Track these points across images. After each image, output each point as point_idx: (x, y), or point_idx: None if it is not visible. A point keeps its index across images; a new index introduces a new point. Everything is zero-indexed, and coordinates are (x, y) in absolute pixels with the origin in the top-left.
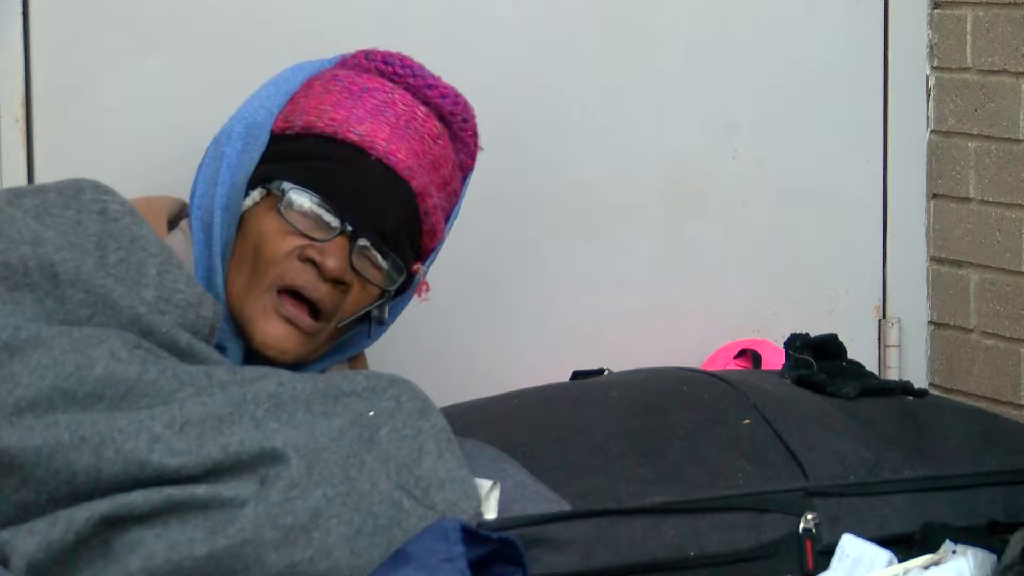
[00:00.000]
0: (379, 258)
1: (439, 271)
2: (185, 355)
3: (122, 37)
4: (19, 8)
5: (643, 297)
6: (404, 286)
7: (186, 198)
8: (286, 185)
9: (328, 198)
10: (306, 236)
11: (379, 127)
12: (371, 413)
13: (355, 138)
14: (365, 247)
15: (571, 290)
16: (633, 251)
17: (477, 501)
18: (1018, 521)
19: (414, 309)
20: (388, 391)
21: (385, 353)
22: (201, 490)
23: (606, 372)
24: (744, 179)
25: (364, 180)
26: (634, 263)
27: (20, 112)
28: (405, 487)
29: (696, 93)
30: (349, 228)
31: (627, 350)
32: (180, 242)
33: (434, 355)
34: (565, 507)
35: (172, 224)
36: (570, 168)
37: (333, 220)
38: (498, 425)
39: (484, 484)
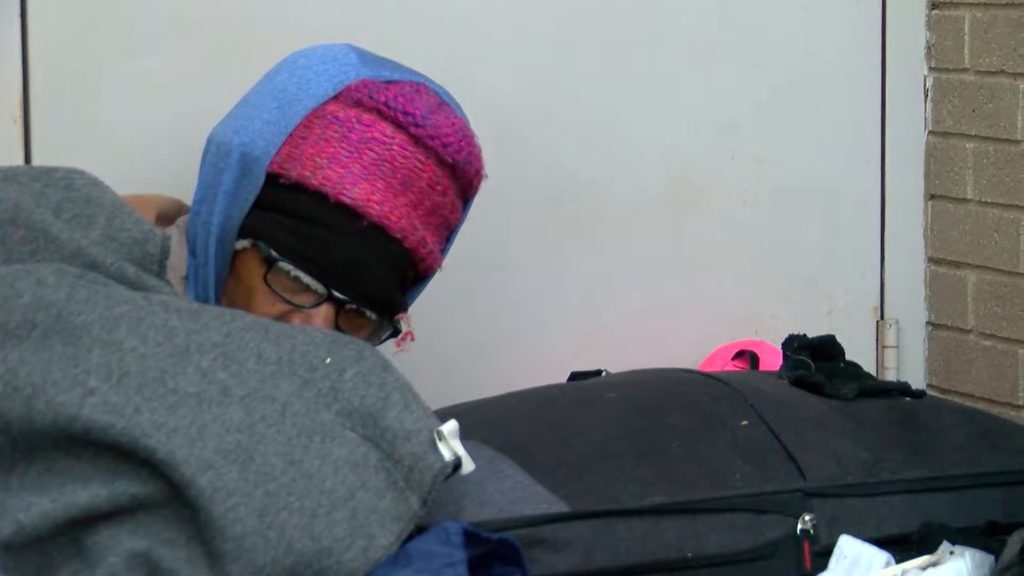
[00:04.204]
0: (367, 312)
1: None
2: (135, 287)
3: (120, 37)
4: (17, 9)
5: (640, 298)
6: (393, 333)
7: (183, 199)
8: (273, 254)
9: (314, 268)
10: (291, 303)
11: (374, 186)
12: (328, 360)
13: (348, 201)
14: (352, 308)
15: (569, 290)
16: (630, 251)
17: (443, 456)
18: (1016, 522)
19: (411, 309)
20: (350, 344)
21: (384, 346)
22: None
23: (604, 373)
24: (742, 179)
25: (354, 247)
26: (631, 263)
27: (18, 113)
28: (372, 439)
29: (694, 93)
30: (336, 295)
31: (625, 351)
32: (175, 239)
33: (431, 355)
34: (563, 508)
35: (170, 220)
36: (568, 168)
37: (319, 287)
38: (496, 426)
39: (447, 425)
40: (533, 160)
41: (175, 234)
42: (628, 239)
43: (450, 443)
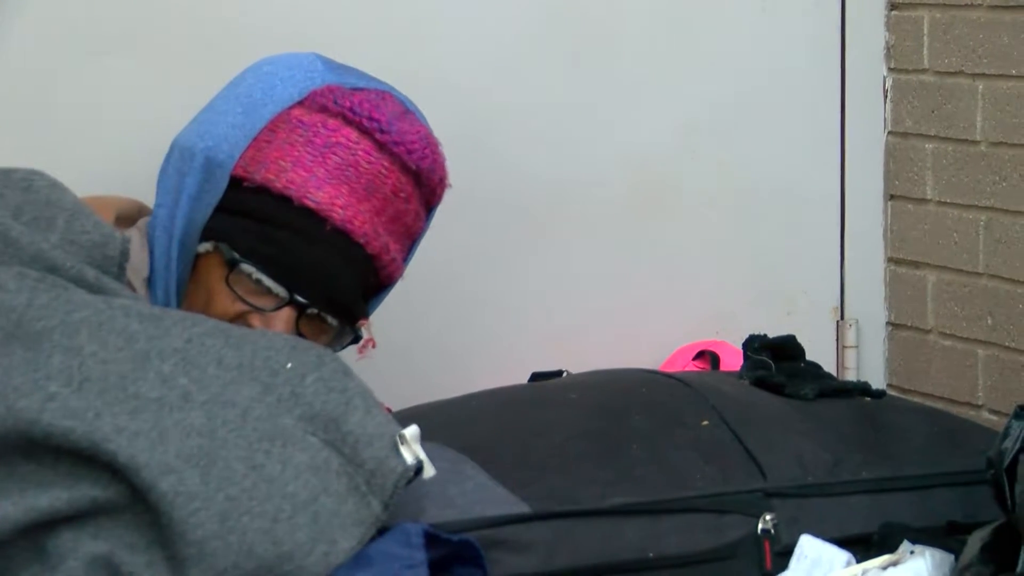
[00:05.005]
0: (329, 318)
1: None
2: (95, 290)
3: (80, 38)
4: None
5: (601, 298)
6: (354, 340)
7: (144, 201)
8: (235, 256)
9: (276, 270)
10: (252, 306)
11: (339, 191)
12: (289, 365)
13: (312, 205)
14: (314, 313)
15: (530, 291)
16: (590, 252)
17: (405, 460)
18: (976, 521)
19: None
20: (310, 350)
21: (345, 352)
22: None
23: (565, 374)
24: (703, 180)
25: (317, 251)
26: (593, 264)
27: None
28: (334, 444)
29: (655, 95)
30: (298, 299)
31: (586, 351)
32: (136, 241)
33: (394, 356)
34: (524, 509)
35: (130, 222)
36: (530, 169)
37: (281, 291)
38: (457, 427)
39: (409, 430)
40: (496, 161)
41: (136, 236)
42: (589, 240)
43: (412, 447)
